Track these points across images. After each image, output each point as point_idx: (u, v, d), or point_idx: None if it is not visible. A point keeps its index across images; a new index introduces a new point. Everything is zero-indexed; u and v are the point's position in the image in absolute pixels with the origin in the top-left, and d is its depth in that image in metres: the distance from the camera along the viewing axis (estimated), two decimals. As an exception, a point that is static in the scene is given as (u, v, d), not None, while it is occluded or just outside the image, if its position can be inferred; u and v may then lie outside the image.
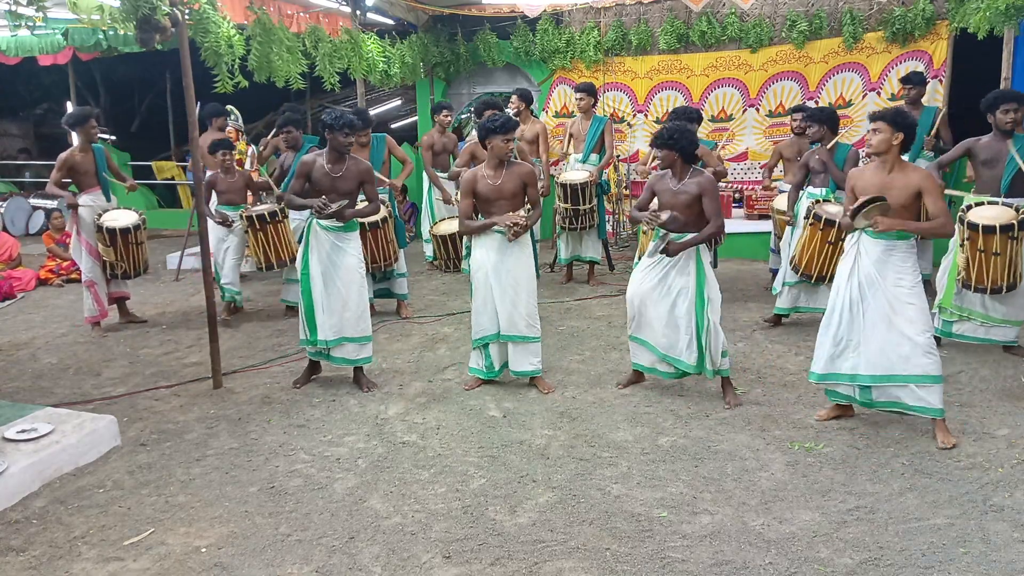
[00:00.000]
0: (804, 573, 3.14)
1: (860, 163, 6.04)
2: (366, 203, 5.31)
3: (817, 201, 5.98)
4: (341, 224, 5.08)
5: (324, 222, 5.05)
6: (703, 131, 7.97)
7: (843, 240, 5.71)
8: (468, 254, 7.90)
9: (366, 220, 6.22)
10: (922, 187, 4.08)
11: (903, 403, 4.25)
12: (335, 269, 5.09)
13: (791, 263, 6.03)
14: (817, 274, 5.87)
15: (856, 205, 4.05)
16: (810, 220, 5.86)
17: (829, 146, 6.08)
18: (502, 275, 4.98)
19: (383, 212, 6.47)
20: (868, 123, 4.20)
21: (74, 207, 6.47)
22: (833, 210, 5.84)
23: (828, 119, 6.09)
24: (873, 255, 4.19)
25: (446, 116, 8.42)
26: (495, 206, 4.99)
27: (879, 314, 4.19)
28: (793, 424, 4.52)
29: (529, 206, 5.08)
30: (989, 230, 5.05)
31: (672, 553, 3.29)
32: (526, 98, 8.01)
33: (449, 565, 3.26)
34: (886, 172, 4.16)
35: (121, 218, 6.54)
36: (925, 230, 4.24)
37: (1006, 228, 5.05)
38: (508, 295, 4.98)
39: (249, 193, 7.29)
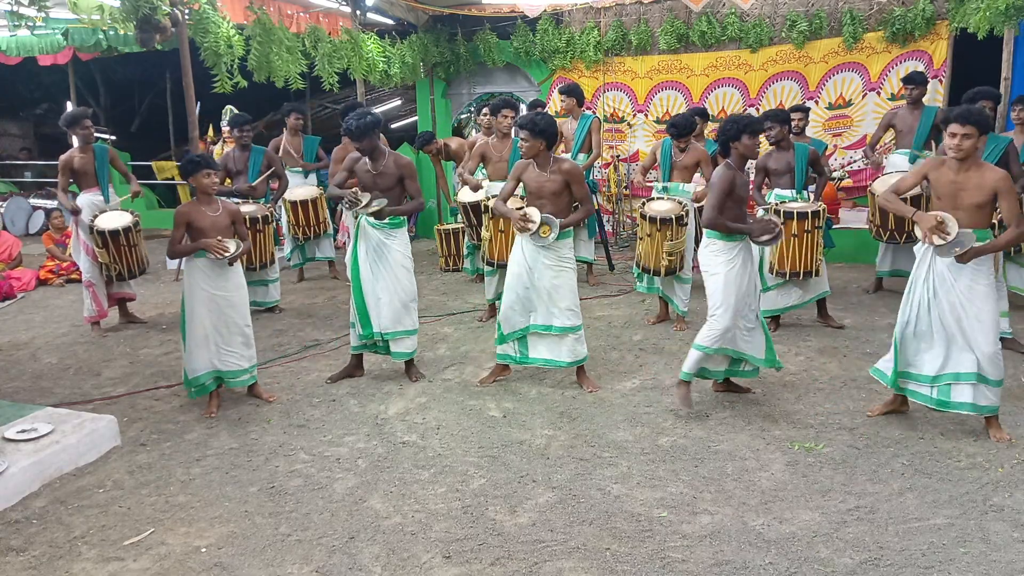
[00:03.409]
0: (804, 573, 3.14)
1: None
2: (409, 200, 5.27)
3: (783, 202, 6.01)
4: (387, 221, 5.11)
5: (372, 219, 5.09)
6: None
7: (808, 232, 5.74)
8: (469, 253, 7.95)
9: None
10: (999, 188, 4.03)
11: (970, 403, 4.20)
12: (382, 264, 5.14)
13: (769, 267, 6.04)
14: (791, 270, 5.92)
15: (948, 243, 3.98)
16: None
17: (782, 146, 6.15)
18: (536, 273, 4.97)
19: None
20: (956, 125, 3.99)
21: (76, 213, 6.46)
22: (793, 205, 5.89)
23: (787, 120, 6.18)
24: (948, 258, 4.14)
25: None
26: (537, 202, 4.96)
27: (952, 315, 4.16)
28: (793, 424, 4.52)
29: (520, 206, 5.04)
30: None
31: (672, 553, 3.29)
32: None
33: (449, 565, 3.26)
34: (964, 170, 4.09)
35: (114, 220, 6.51)
36: (1004, 245, 4.21)
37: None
38: (544, 293, 4.98)
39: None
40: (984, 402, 4.19)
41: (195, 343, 4.85)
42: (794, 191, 6.11)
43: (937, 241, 4.02)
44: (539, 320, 5.07)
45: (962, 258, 4.03)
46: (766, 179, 6.30)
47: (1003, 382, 4.19)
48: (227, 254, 4.74)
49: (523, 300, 5.05)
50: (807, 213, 5.79)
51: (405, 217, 5.28)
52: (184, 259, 4.88)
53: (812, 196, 6.24)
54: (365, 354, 5.50)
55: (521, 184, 5.09)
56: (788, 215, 5.81)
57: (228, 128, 8.56)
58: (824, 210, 5.93)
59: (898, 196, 4.32)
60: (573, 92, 7.60)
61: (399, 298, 5.18)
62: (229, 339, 4.90)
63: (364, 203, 4.99)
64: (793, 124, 7.11)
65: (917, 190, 4.33)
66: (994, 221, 5.30)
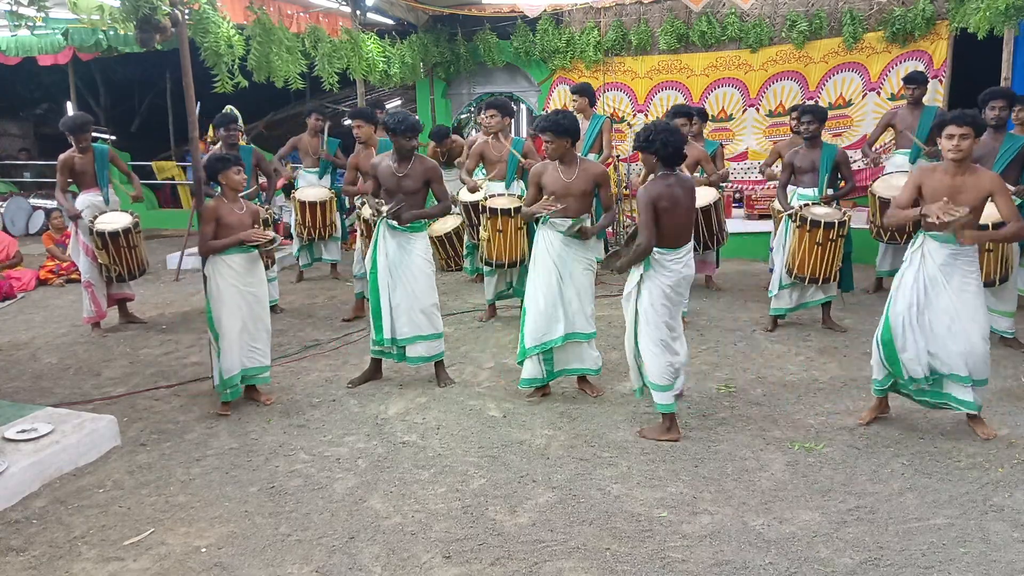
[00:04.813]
0: (804, 573, 3.14)
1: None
2: (435, 203, 5.25)
3: (806, 204, 5.98)
4: (408, 225, 5.06)
5: (392, 222, 5.04)
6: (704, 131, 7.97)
7: (832, 240, 5.74)
8: (469, 253, 7.94)
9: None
10: (993, 190, 4.06)
11: (954, 398, 4.27)
12: (402, 269, 5.08)
13: (786, 268, 6.02)
14: (810, 276, 5.88)
15: (952, 223, 3.94)
16: (796, 223, 5.87)
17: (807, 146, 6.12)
18: (570, 276, 4.85)
19: None
20: (953, 127, 4.00)
21: (76, 218, 6.45)
22: (820, 212, 5.85)
23: (825, 117, 6.14)
24: (939, 259, 4.15)
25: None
26: (562, 203, 4.78)
27: (945, 316, 4.16)
28: (793, 424, 4.52)
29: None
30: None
31: (672, 553, 3.29)
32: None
33: (449, 565, 3.27)
34: (960, 173, 4.10)
35: (113, 221, 6.50)
36: (1003, 237, 4.34)
37: (998, 225, 5.12)
38: (575, 297, 4.85)
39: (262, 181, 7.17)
40: (970, 399, 4.23)
41: (228, 343, 4.83)
42: (816, 190, 6.09)
43: (948, 218, 3.94)
44: (568, 329, 4.88)
45: (963, 236, 4.01)
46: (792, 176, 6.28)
47: (988, 381, 4.24)
48: (268, 239, 4.84)
49: (553, 307, 4.83)
50: (833, 223, 5.75)
51: (426, 221, 5.24)
52: (207, 260, 4.83)
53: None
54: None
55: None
56: (815, 223, 5.75)
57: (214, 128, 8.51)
58: (849, 219, 5.86)
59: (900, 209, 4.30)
60: (585, 92, 7.61)
61: (418, 304, 5.10)
62: (257, 335, 4.96)
63: (385, 208, 4.96)
64: (795, 124, 7.13)
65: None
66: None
